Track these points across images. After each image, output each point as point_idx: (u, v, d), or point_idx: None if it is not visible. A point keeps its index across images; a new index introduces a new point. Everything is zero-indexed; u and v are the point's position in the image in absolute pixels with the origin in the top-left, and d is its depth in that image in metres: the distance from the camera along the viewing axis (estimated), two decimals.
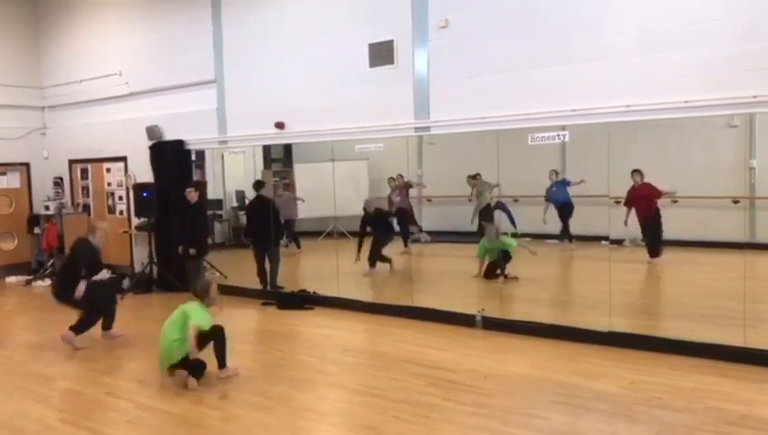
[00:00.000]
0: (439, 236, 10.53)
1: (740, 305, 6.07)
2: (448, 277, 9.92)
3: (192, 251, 8.77)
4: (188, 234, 8.91)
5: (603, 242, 9.53)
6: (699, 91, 5.93)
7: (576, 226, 10.00)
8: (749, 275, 6.31)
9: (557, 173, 9.59)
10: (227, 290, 9.69)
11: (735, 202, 8.26)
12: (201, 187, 10.36)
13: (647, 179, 8.76)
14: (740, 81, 5.73)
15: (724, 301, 6.77)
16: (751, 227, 8.42)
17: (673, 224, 8.99)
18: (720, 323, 6.38)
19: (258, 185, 9.55)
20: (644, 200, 8.70)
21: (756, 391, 5.05)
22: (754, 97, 5.65)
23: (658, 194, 8.59)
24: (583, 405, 4.92)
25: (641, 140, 8.39)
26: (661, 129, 7.95)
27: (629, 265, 9.17)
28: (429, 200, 10.83)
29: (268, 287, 9.32)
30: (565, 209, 9.67)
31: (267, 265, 9.34)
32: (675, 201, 8.82)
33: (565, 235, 9.71)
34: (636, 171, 8.70)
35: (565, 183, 9.51)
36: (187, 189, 8.96)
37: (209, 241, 11.42)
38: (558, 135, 6.86)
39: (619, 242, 9.33)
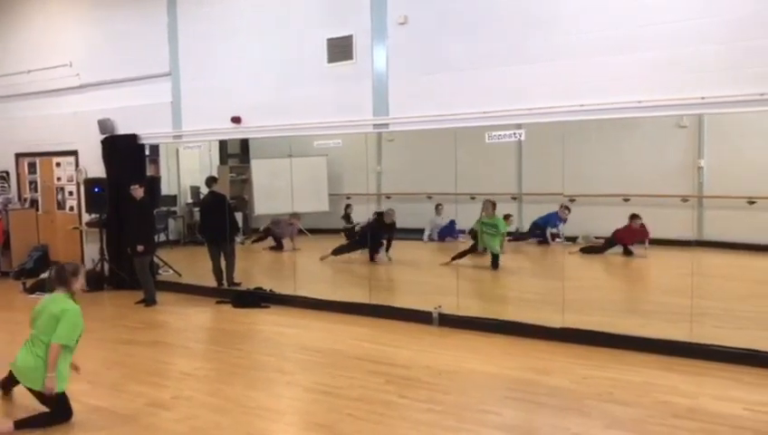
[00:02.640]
0: (397, 233, 10.54)
1: (687, 301, 6.25)
2: (406, 274, 9.97)
3: (140, 248, 8.57)
4: (134, 231, 8.70)
5: (557, 239, 9.74)
6: (651, 91, 6.07)
7: (530, 222, 10.19)
8: (696, 271, 6.51)
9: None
10: (182, 288, 9.58)
11: (684, 201, 8.51)
12: (154, 183, 10.16)
13: (598, 177, 9.02)
14: (689, 82, 5.88)
15: (672, 297, 6.97)
16: (699, 225, 8.69)
17: (623, 221, 9.22)
18: (668, 319, 6.57)
19: (210, 181, 9.42)
20: (640, 234, 9.15)
21: (701, 385, 5.20)
22: (702, 99, 5.81)
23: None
24: (536, 400, 5.00)
25: (595, 139, 8.57)
26: (614, 128, 8.15)
27: (582, 262, 9.38)
28: (388, 197, 10.85)
29: (224, 285, 9.20)
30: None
31: (223, 263, 9.22)
32: (626, 199, 9.05)
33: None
34: (635, 216, 9.07)
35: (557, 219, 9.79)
36: (132, 186, 8.75)
37: (163, 238, 11.24)
38: (514, 133, 6.95)
39: (572, 239, 9.54)
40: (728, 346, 5.74)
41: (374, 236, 9.92)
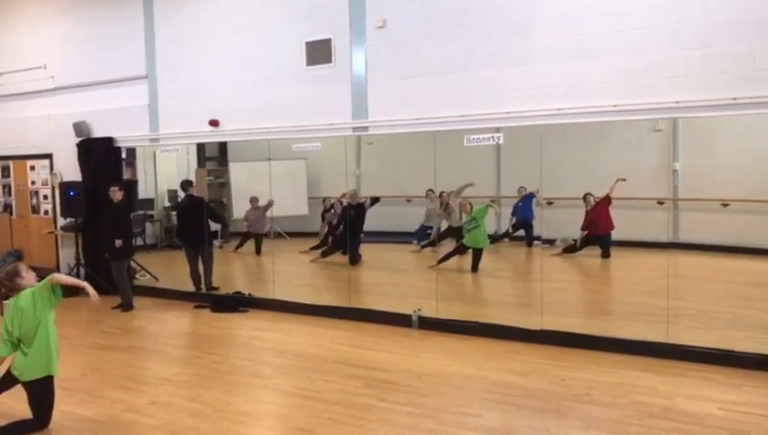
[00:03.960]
0: (376, 237, 10.55)
1: (663, 303, 6.34)
2: (385, 277, 9.96)
3: (118, 242, 8.45)
4: (112, 235, 8.58)
5: (536, 242, 9.80)
6: (626, 95, 6.15)
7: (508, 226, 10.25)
8: (672, 273, 6.60)
9: (525, 189, 9.77)
10: (159, 293, 9.49)
11: (660, 203, 8.62)
12: (131, 186, 10.06)
13: (575, 180, 9.09)
14: (664, 87, 5.97)
15: (649, 298, 7.05)
16: (674, 228, 8.81)
17: None
18: (645, 320, 6.64)
19: (186, 185, 9.35)
20: (605, 215, 9.02)
21: (677, 385, 5.27)
22: (677, 103, 5.90)
23: (609, 199, 8.93)
24: (515, 402, 5.03)
25: (572, 142, 8.65)
26: (591, 132, 8.24)
27: (560, 264, 9.45)
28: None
29: (202, 289, 9.13)
30: (528, 226, 9.96)
31: (201, 267, 9.14)
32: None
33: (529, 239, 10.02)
34: (587, 194, 9.01)
35: (531, 196, 9.70)
36: (112, 187, 8.64)
37: (140, 242, 11.12)
38: (492, 137, 6.99)
39: (551, 242, 9.60)
40: (703, 347, 5.83)
41: (352, 225, 9.82)
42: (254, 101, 8.45)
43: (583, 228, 9.28)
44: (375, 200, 9.98)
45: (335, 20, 7.78)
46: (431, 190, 10.40)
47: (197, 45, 8.95)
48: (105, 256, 8.79)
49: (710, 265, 8.77)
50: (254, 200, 10.96)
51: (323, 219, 11.34)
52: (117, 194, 8.63)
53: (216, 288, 9.14)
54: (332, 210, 11.06)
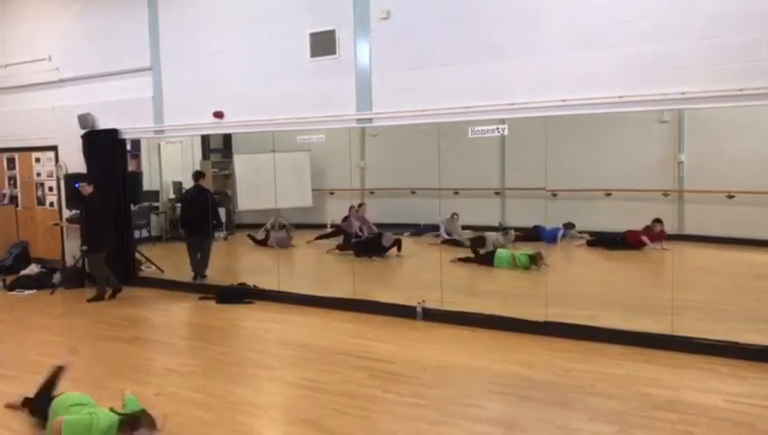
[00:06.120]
0: (381, 229, 10.55)
1: (668, 295, 6.33)
2: (389, 269, 9.98)
3: (82, 248, 8.70)
4: (85, 230, 8.71)
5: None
6: (632, 87, 6.12)
7: (513, 218, 10.23)
8: (677, 265, 6.59)
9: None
10: (164, 284, 9.52)
11: (665, 195, 8.59)
12: (135, 178, 10.11)
13: (580, 172, 9.07)
14: (669, 78, 5.94)
15: (654, 290, 7.05)
16: (679, 220, 8.78)
17: (606, 216, 9.29)
18: (649, 312, 6.63)
19: (197, 175, 9.40)
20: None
21: (681, 377, 5.27)
22: (683, 94, 5.87)
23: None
24: (520, 394, 5.03)
25: (577, 134, 8.62)
26: (596, 123, 8.20)
27: (564, 256, 9.45)
28: (372, 193, 10.85)
29: (206, 278, 9.20)
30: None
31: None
32: (608, 194, 9.11)
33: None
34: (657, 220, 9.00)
35: (560, 231, 9.58)
36: (80, 184, 8.77)
37: (145, 234, 11.16)
38: (497, 129, 6.96)
39: None
40: (709, 338, 5.82)
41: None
42: (259, 92, 8.44)
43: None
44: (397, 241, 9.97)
45: (339, 11, 7.75)
46: (455, 214, 10.32)
47: (202, 37, 8.94)
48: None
49: (715, 256, 8.75)
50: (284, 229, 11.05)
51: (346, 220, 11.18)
52: (86, 189, 8.69)
53: (204, 277, 9.29)
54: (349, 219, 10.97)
